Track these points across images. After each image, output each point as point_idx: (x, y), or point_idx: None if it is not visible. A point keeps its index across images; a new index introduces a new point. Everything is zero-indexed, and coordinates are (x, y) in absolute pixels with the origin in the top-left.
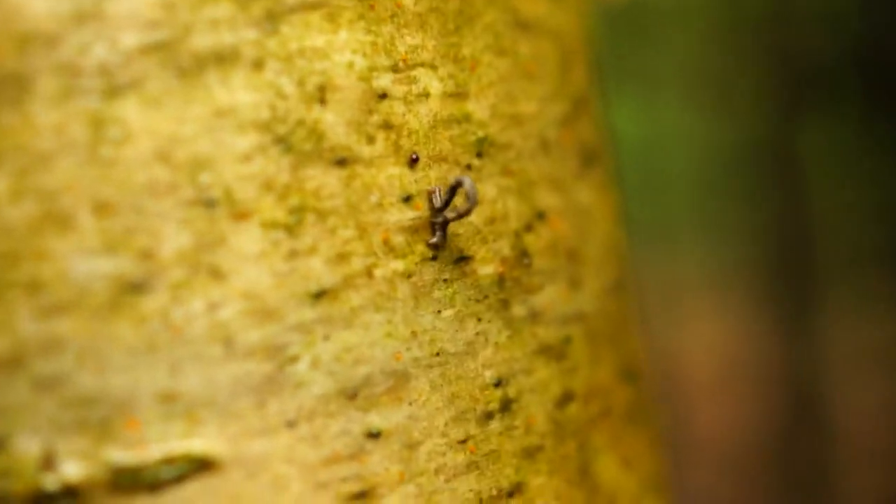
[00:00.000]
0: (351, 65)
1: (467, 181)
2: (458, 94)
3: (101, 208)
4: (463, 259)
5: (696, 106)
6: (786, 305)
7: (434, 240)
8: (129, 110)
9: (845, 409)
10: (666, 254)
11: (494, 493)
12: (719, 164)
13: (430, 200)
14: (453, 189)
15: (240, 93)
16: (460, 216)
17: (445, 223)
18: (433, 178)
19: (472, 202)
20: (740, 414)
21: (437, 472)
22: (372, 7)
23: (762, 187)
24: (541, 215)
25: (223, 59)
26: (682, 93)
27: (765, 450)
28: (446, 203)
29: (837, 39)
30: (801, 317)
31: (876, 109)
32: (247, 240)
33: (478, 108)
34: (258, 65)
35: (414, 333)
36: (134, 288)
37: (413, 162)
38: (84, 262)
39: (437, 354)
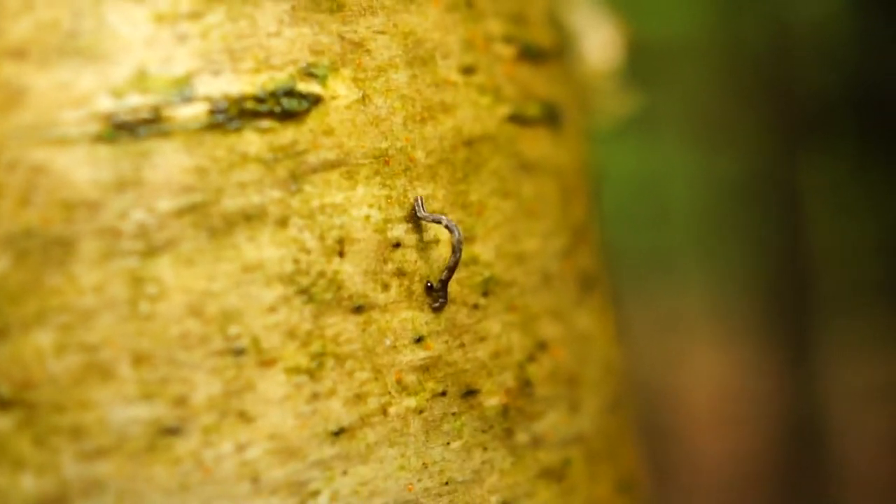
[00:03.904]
0: (367, 218)
1: (455, 233)
2: (466, 239)
3: (139, 360)
4: (470, 393)
5: (697, 141)
6: (786, 339)
7: (437, 305)
8: (165, 269)
9: (846, 442)
10: (667, 286)
11: None
12: (720, 198)
13: (414, 208)
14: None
15: (266, 249)
16: (451, 271)
17: (444, 283)
18: (443, 318)
19: (457, 253)
20: (740, 446)
21: None
22: (387, 162)
23: (762, 222)
24: (542, 345)
25: (251, 218)
26: (684, 128)
27: (765, 483)
28: (452, 268)
29: (837, 76)
30: (802, 350)
31: (875, 145)
32: (272, 385)
33: (484, 249)
34: (283, 222)
35: (425, 465)
36: (168, 432)
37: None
38: (123, 409)
39: (447, 483)
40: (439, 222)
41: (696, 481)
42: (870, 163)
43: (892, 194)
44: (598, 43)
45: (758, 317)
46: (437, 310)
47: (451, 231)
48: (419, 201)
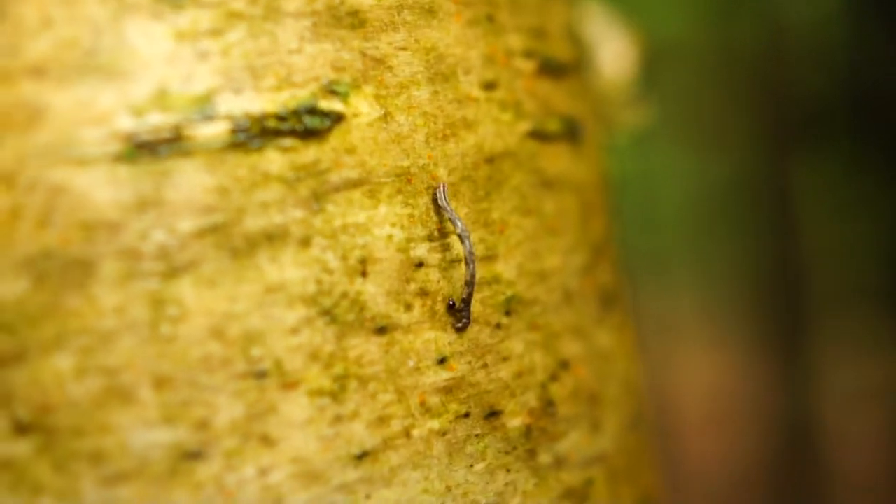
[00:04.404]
0: (390, 237)
1: (466, 243)
2: (489, 258)
3: (160, 383)
4: (493, 414)
5: (691, 142)
6: (779, 341)
7: (460, 325)
8: (186, 290)
9: (837, 444)
10: (660, 289)
11: None
12: (713, 200)
13: (434, 198)
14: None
15: (289, 269)
16: (470, 286)
17: (467, 302)
18: (466, 338)
19: (471, 265)
20: (732, 448)
21: None
22: (409, 181)
23: (755, 224)
24: (564, 364)
25: (273, 238)
26: (677, 129)
27: (756, 485)
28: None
29: (830, 78)
30: (794, 352)
31: (868, 148)
32: (295, 408)
33: (506, 268)
34: (305, 242)
35: (448, 488)
36: (190, 456)
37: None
38: (144, 433)
39: None
40: (455, 224)
41: (687, 483)
42: (863, 165)
43: (886, 197)
44: (614, 54)
45: (750, 319)
46: (460, 330)
47: (462, 241)
48: (442, 188)
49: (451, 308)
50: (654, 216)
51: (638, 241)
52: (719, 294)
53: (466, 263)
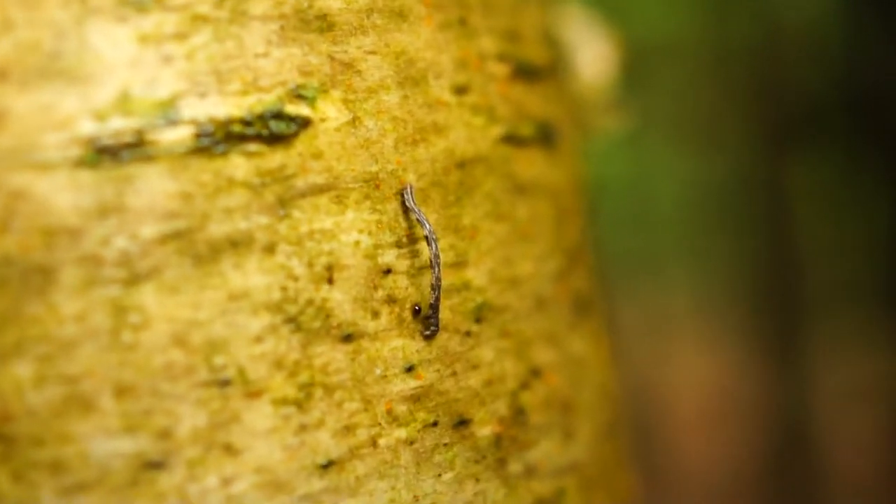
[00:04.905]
0: (357, 244)
1: (433, 245)
2: (458, 264)
3: (122, 391)
4: (462, 423)
5: (685, 142)
6: (774, 339)
7: (428, 332)
8: (148, 297)
9: (833, 443)
10: (654, 287)
11: None
12: (707, 199)
13: (402, 200)
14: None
15: (253, 276)
16: (436, 290)
17: (435, 307)
18: (434, 346)
19: (436, 268)
20: (727, 447)
21: None
22: (377, 186)
23: (750, 222)
24: (536, 372)
25: (237, 244)
26: (671, 129)
27: (752, 484)
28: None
29: (825, 77)
30: (789, 350)
31: (863, 147)
32: (259, 417)
33: (477, 274)
34: (270, 249)
35: (416, 498)
36: (152, 466)
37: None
38: (105, 442)
39: None
40: (423, 226)
41: (682, 482)
42: (858, 165)
43: (882, 196)
44: (593, 57)
45: (745, 318)
46: (428, 338)
47: (428, 243)
48: (409, 189)
49: (416, 313)
50: (649, 215)
51: (633, 239)
52: (715, 293)
53: (432, 266)
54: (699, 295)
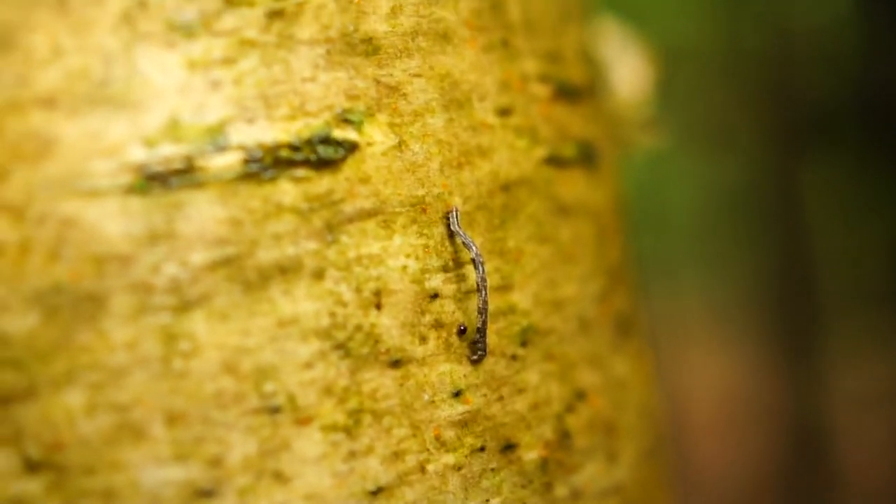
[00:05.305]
0: (405, 268)
1: (479, 269)
2: (504, 287)
3: (172, 419)
4: (509, 447)
5: (700, 146)
6: (788, 343)
7: (475, 357)
8: (198, 325)
9: (847, 447)
10: (668, 291)
11: None
12: (723, 203)
13: (448, 224)
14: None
15: (302, 302)
16: (483, 314)
17: (482, 331)
18: (481, 370)
19: (482, 292)
20: (741, 451)
21: None
22: (424, 210)
23: (764, 226)
24: (581, 395)
25: (286, 270)
26: (685, 132)
27: (766, 488)
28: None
29: (839, 79)
30: (803, 355)
31: (877, 150)
32: (308, 443)
33: (522, 298)
34: (319, 274)
35: None
36: (203, 494)
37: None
38: (156, 470)
39: None
40: (469, 249)
41: (695, 485)
42: (872, 168)
43: (894, 200)
44: (629, 73)
45: (759, 321)
46: (475, 362)
47: (475, 267)
48: (455, 213)
49: (462, 333)
50: (664, 219)
51: (648, 243)
52: (729, 297)
53: (478, 290)
54: (713, 299)
